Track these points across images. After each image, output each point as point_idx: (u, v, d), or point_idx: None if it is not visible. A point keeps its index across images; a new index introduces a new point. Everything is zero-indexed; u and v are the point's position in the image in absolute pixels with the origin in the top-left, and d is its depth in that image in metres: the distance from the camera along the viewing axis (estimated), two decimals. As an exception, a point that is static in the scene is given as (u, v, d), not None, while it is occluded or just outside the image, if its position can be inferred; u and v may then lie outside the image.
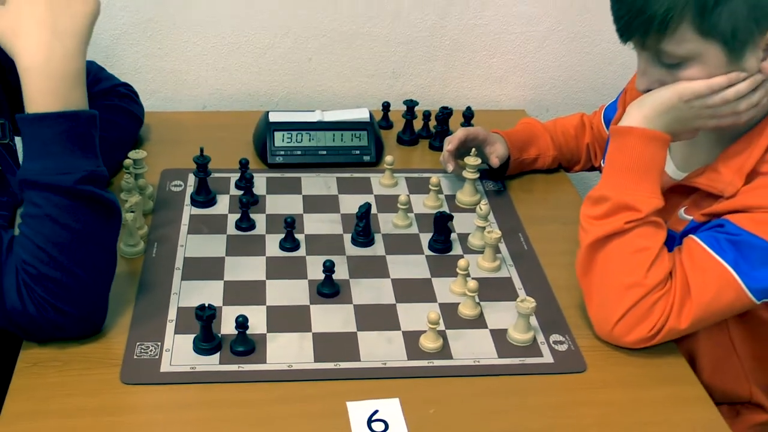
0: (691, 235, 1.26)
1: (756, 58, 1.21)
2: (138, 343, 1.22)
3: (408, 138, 1.80)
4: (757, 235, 1.20)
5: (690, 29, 1.18)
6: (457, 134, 1.61)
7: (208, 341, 1.21)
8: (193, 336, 1.23)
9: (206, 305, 1.20)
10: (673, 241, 1.30)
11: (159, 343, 1.22)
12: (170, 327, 1.25)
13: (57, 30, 1.14)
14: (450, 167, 1.60)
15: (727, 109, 1.24)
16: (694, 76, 1.22)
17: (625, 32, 1.24)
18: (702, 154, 1.35)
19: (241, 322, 1.20)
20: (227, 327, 1.25)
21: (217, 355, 1.21)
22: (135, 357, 1.20)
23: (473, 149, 1.58)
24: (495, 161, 1.60)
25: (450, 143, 1.60)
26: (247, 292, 1.33)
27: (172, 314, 1.28)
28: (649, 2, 1.18)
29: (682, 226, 1.32)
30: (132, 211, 1.40)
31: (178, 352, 1.21)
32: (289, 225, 1.43)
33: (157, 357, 1.20)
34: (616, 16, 1.24)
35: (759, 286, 1.21)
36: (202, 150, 1.54)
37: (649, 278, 1.21)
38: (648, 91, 1.28)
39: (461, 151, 1.62)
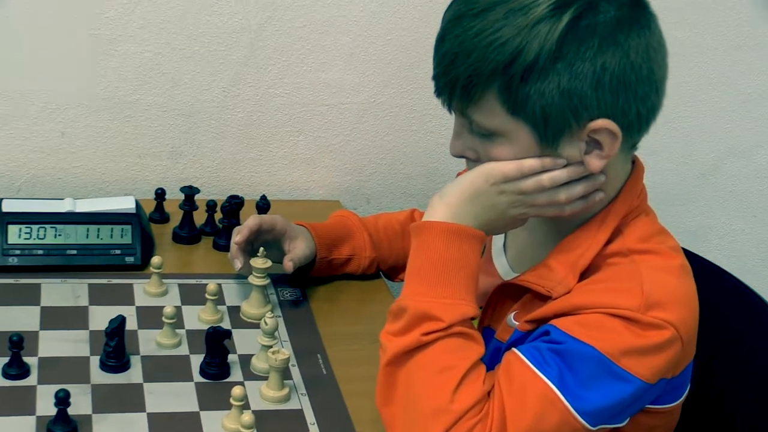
0: (513, 348, 1.31)
1: (576, 149, 1.30)
2: None
3: (186, 234, 1.83)
4: (585, 342, 1.26)
5: (497, 103, 1.28)
6: (249, 223, 1.64)
7: None
8: None
9: None
10: (499, 354, 1.35)
11: None
12: None
13: None
14: (238, 264, 1.63)
15: (544, 198, 1.32)
16: (502, 155, 1.31)
17: (435, 88, 1.34)
18: (537, 249, 1.43)
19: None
20: None
21: None
22: None
23: (261, 249, 1.61)
24: (288, 265, 1.63)
25: (239, 234, 1.64)
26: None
27: None
28: (454, 63, 1.28)
29: (509, 335, 1.38)
30: None
31: None
32: (16, 345, 1.42)
33: None
34: (433, 66, 1.33)
35: (589, 408, 1.25)
36: None
37: (457, 402, 1.25)
38: (461, 157, 1.37)
39: (256, 246, 1.65)
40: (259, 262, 1.60)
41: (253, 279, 1.61)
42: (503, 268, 1.49)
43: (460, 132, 1.36)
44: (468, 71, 1.26)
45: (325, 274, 1.73)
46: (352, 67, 2.03)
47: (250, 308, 1.62)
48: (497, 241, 1.52)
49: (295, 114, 2.04)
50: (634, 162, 1.40)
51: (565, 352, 1.26)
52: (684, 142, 2.24)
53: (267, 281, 1.62)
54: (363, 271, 1.76)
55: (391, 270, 1.79)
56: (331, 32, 1.99)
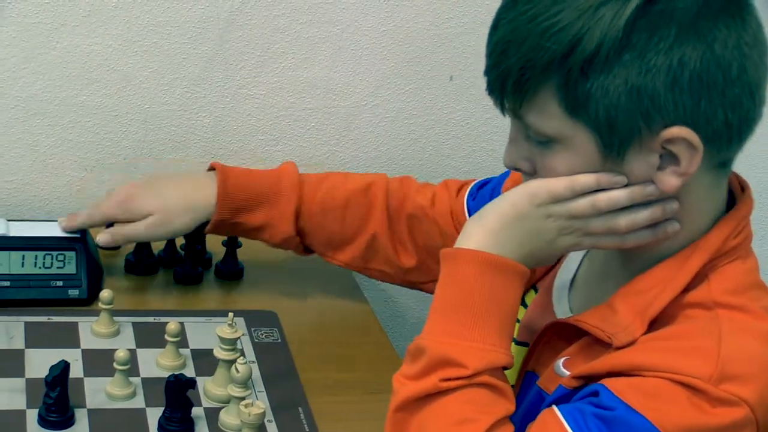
0: (553, 407, 1.29)
1: (647, 163, 1.28)
2: None
3: (142, 263, 1.83)
4: (639, 412, 1.23)
5: (554, 101, 1.26)
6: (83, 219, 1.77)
7: None
8: None
9: None
10: (541, 406, 1.34)
11: None
12: None
13: None
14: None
15: (601, 224, 1.30)
16: (559, 166, 1.29)
17: (487, 84, 1.33)
18: (602, 286, 1.41)
19: None
20: None
21: None
22: None
23: (230, 314, 1.53)
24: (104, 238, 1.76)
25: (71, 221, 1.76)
26: None
27: None
28: (506, 53, 1.27)
29: (556, 385, 1.36)
30: None
31: None
32: (-62, 396, 1.42)
33: None
34: (486, 55, 1.33)
35: None
36: None
37: (475, 466, 1.25)
38: (514, 169, 1.36)
39: None
40: (227, 332, 1.53)
41: (218, 352, 1.54)
42: (561, 308, 1.48)
43: (516, 138, 1.34)
44: (520, 62, 1.25)
45: (231, 234, 1.82)
46: (340, 64, 2.04)
47: (215, 388, 1.56)
48: (564, 273, 1.51)
49: (271, 119, 2.05)
50: (744, 189, 1.38)
51: (613, 421, 1.23)
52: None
53: (236, 356, 1.52)
54: (278, 246, 1.80)
55: (326, 248, 1.81)
56: (316, 22, 2.00)
